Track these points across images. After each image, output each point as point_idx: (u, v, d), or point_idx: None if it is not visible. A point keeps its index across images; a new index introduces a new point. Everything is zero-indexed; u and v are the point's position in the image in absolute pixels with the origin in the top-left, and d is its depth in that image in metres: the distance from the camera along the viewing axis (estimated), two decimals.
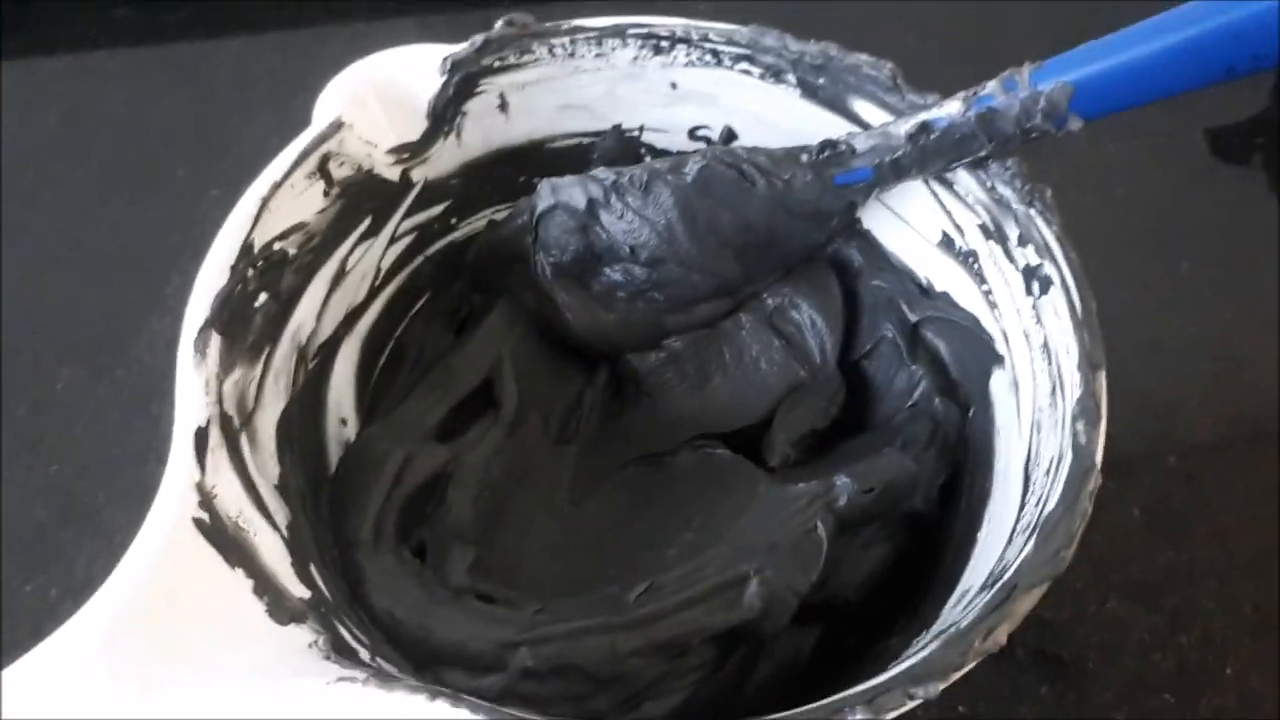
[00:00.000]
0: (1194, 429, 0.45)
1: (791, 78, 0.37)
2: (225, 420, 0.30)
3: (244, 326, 0.32)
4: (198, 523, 0.27)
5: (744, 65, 0.37)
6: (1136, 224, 0.52)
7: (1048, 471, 0.30)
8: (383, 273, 0.38)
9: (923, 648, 0.28)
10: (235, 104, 0.56)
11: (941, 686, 0.25)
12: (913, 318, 0.38)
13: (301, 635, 0.27)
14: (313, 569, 0.30)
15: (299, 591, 0.28)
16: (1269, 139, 0.56)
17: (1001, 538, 0.31)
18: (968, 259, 0.36)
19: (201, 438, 0.28)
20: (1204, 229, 0.52)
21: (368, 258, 0.37)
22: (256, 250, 0.32)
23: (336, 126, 0.35)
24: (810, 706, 0.25)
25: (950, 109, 0.34)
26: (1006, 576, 0.27)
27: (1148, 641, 0.40)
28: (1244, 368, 0.47)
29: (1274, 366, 0.47)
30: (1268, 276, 0.50)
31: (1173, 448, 0.45)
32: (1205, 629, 0.40)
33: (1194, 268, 0.51)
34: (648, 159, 0.41)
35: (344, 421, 0.37)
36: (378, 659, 0.28)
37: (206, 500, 0.27)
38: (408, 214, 0.38)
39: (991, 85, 0.33)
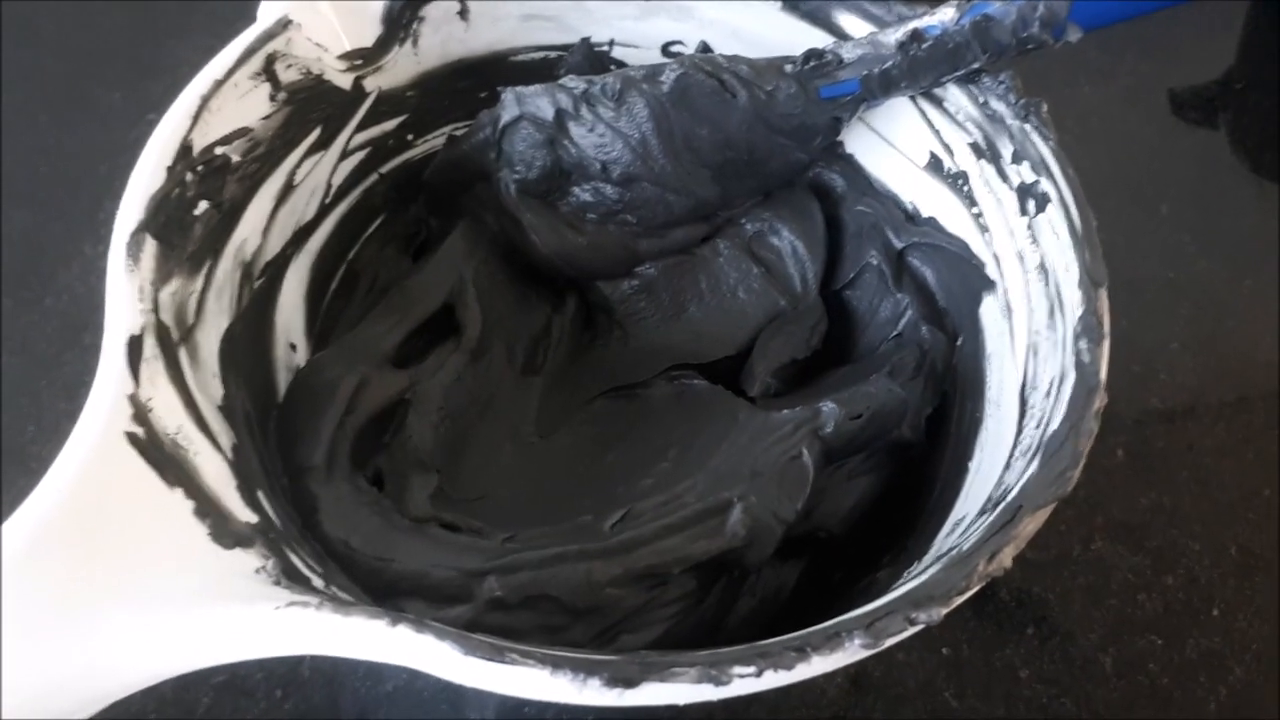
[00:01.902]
0: (1175, 371, 0.44)
1: None
2: (162, 331, 0.27)
3: (182, 234, 0.29)
4: (131, 437, 0.24)
5: None
6: (1115, 165, 0.51)
7: (1048, 394, 0.28)
8: (334, 189, 0.35)
9: (916, 576, 0.26)
10: (173, 24, 0.52)
11: (944, 611, 0.23)
12: (898, 244, 0.36)
13: (248, 560, 0.24)
14: (260, 495, 0.27)
15: (245, 516, 0.26)
16: (1231, 92, 0.55)
17: (997, 464, 0.29)
18: (957, 181, 0.34)
19: (135, 347, 0.26)
20: (1183, 172, 0.51)
21: (317, 172, 0.34)
22: (196, 153, 0.30)
23: (283, 25, 0.32)
24: (806, 631, 0.23)
25: (943, 16, 0.32)
26: (1009, 499, 0.25)
27: (1133, 582, 0.39)
28: (1224, 311, 0.46)
29: (1253, 311, 0.46)
30: (1246, 220, 0.49)
31: (1155, 389, 0.44)
32: (1190, 570, 0.39)
33: (1173, 210, 0.50)
34: None
35: (293, 347, 0.34)
36: (332, 588, 0.25)
37: (141, 413, 0.25)
38: (360, 127, 0.35)
39: None
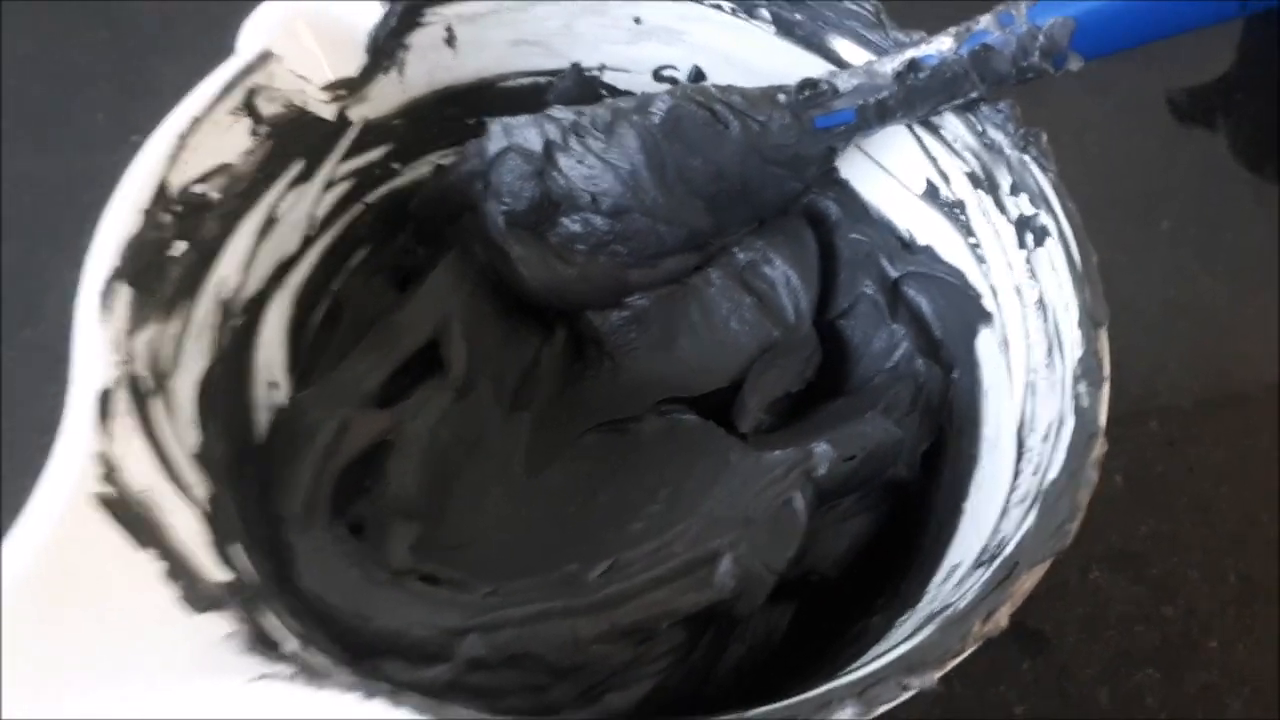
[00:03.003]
0: (1176, 393, 0.44)
1: (765, 12, 0.34)
2: (135, 382, 0.26)
3: (159, 278, 0.28)
4: (100, 498, 0.24)
5: None
6: (1115, 180, 0.50)
7: (1046, 437, 0.28)
8: (317, 222, 0.35)
9: (912, 630, 0.25)
10: (157, 43, 0.51)
11: (938, 675, 0.22)
12: (893, 273, 0.35)
13: (219, 625, 0.24)
14: (236, 548, 0.27)
15: (218, 574, 0.25)
16: (1232, 100, 0.54)
17: (993, 509, 0.28)
18: (954, 210, 0.33)
19: (106, 401, 0.25)
20: (1184, 187, 0.51)
21: (301, 205, 0.34)
22: (174, 193, 0.29)
23: (264, 58, 0.31)
24: (796, 700, 0.22)
25: (941, 45, 0.31)
26: (1006, 552, 0.25)
27: (1131, 614, 0.38)
28: (1225, 331, 0.46)
29: (1255, 330, 0.45)
30: (1248, 237, 0.49)
31: (1154, 412, 0.43)
32: (1189, 600, 0.39)
33: (1174, 227, 0.49)
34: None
35: (274, 385, 0.33)
36: (308, 649, 0.25)
37: (111, 472, 0.24)
38: (345, 157, 0.35)
39: (986, 20, 0.31)
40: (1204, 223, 0.49)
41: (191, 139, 0.29)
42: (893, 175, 0.35)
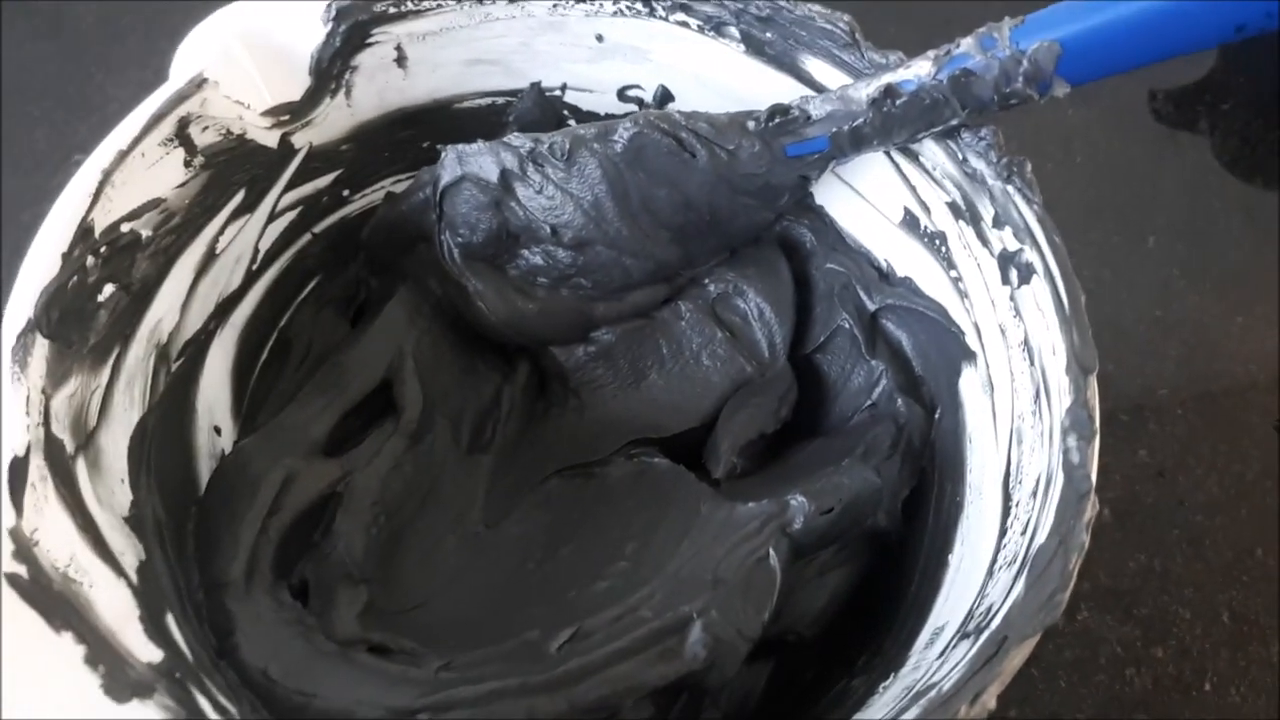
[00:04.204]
0: (1165, 420, 0.42)
1: (734, 31, 0.32)
2: (53, 445, 0.24)
3: (83, 327, 0.26)
4: (12, 579, 0.22)
5: (680, 15, 0.32)
6: (1100, 192, 0.49)
7: (1034, 494, 0.26)
8: (261, 255, 0.33)
9: (894, 705, 0.24)
10: (101, 58, 0.49)
11: None
12: (871, 306, 0.33)
13: (146, 713, 0.22)
14: (169, 621, 0.25)
15: (147, 655, 0.23)
16: (1218, 110, 0.53)
17: (979, 567, 0.27)
18: (934, 241, 0.32)
19: (18, 471, 0.23)
20: (1171, 200, 0.49)
21: (242, 237, 0.32)
22: (98, 234, 0.27)
23: (198, 84, 0.29)
24: None
25: (919, 70, 0.29)
26: (994, 624, 0.23)
27: (1121, 655, 0.37)
28: (1216, 353, 0.44)
29: (1247, 351, 0.44)
30: (1238, 252, 0.47)
31: (1143, 441, 0.42)
32: (1181, 640, 0.37)
33: (1160, 242, 0.47)
34: (571, 123, 0.36)
35: (218, 430, 0.31)
36: None
37: (24, 550, 0.22)
38: (290, 186, 0.33)
39: (966, 43, 0.29)
40: (1192, 237, 0.48)
41: (116, 175, 0.27)
42: (870, 202, 0.33)
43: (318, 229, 0.34)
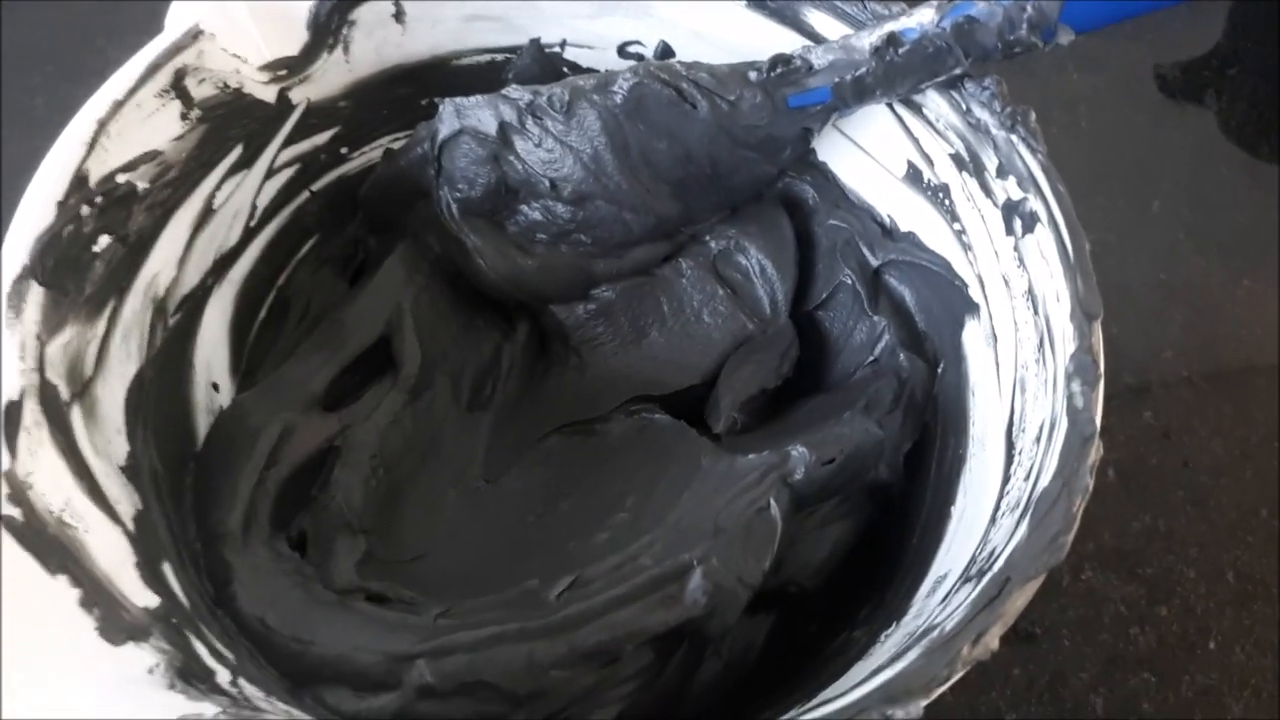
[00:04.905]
0: (1169, 383, 0.42)
1: None
2: (48, 391, 0.24)
3: (78, 276, 0.26)
4: (5, 521, 0.22)
5: None
6: (1105, 157, 0.49)
7: (1037, 439, 0.26)
8: (259, 211, 0.32)
9: (896, 650, 0.24)
10: (101, 23, 0.49)
11: (924, 703, 0.20)
12: (874, 261, 0.33)
13: (141, 657, 0.22)
14: (165, 569, 0.25)
15: (143, 599, 0.23)
16: (1225, 76, 0.52)
17: (982, 515, 0.26)
18: (938, 194, 0.31)
19: (13, 415, 0.23)
20: (1176, 166, 0.49)
21: (240, 193, 0.32)
22: (94, 183, 0.27)
23: (194, 36, 0.29)
24: None
25: (922, 18, 0.29)
26: (997, 567, 0.23)
27: (1125, 615, 0.37)
28: (1221, 316, 0.44)
29: (1252, 314, 0.44)
30: (1243, 217, 0.47)
31: (1148, 402, 0.41)
32: (1185, 600, 0.37)
33: (1165, 207, 0.47)
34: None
35: (216, 386, 0.31)
36: (240, 680, 0.23)
37: (18, 492, 0.22)
38: (288, 142, 0.33)
39: None
40: (1197, 203, 0.47)
41: (113, 124, 0.27)
42: (872, 157, 0.33)
43: (316, 186, 0.34)
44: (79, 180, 0.26)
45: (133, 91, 0.28)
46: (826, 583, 0.30)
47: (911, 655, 0.22)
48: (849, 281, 0.34)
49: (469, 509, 0.30)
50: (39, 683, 0.20)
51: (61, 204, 0.26)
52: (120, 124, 0.27)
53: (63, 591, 0.22)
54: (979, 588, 0.23)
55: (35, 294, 0.25)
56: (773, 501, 0.27)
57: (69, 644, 0.21)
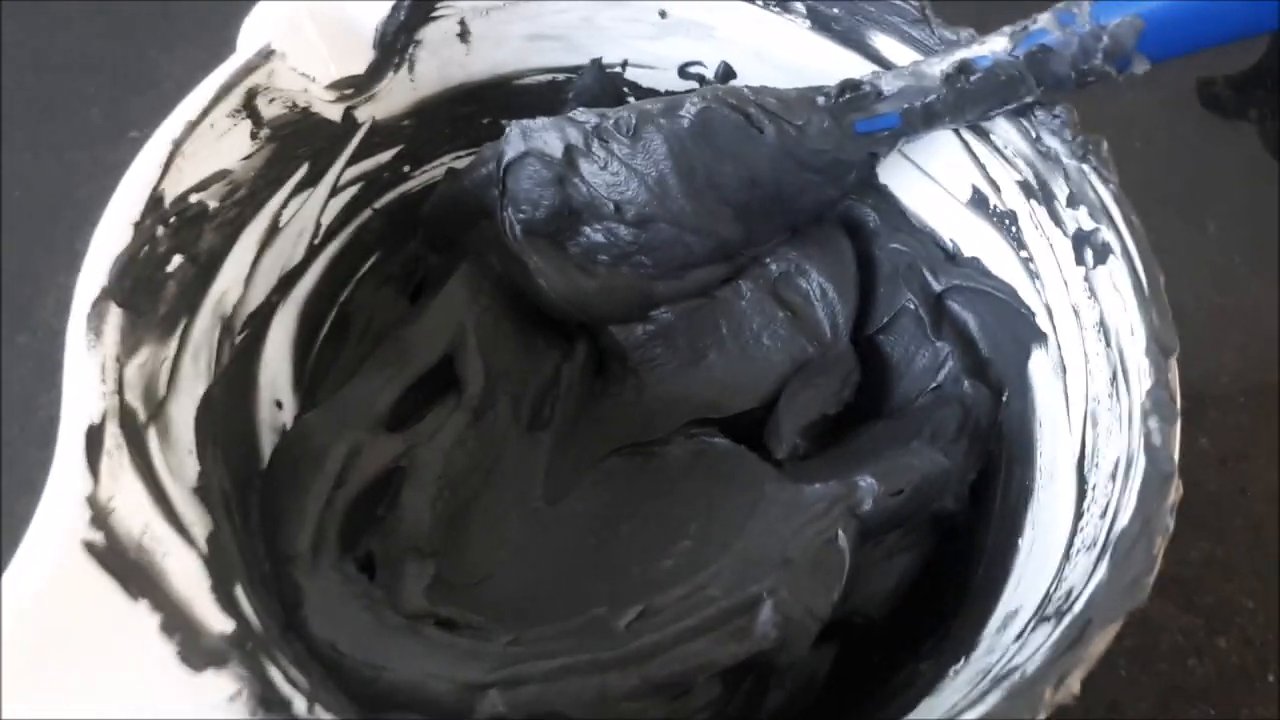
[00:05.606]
0: (1226, 408, 0.41)
1: (800, 6, 0.32)
2: (127, 413, 0.24)
3: (152, 296, 0.26)
4: (89, 546, 0.22)
5: None
6: (1159, 177, 0.48)
7: (1113, 477, 0.25)
8: (323, 229, 0.32)
9: (970, 688, 0.23)
10: (156, 34, 0.49)
11: None
12: (937, 286, 0.33)
13: (222, 685, 0.22)
14: (238, 591, 0.25)
15: (219, 625, 0.23)
16: (1271, 91, 0.52)
17: (1054, 551, 0.26)
18: (1004, 220, 0.31)
19: (95, 438, 0.23)
20: (1229, 187, 0.48)
21: (305, 211, 0.32)
22: (168, 204, 0.27)
23: (265, 56, 0.29)
24: None
25: (995, 46, 0.29)
26: (1077, 608, 0.23)
27: (1183, 645, 0.36)
28: (1277, 341, 0.43)
29: None
30: None
31: (1205, 429, 0.41)
32: (1244, 630, 0.37)
33: (1222, 228, 0.46)
34: (632, 100, 0.35)
35: (279, 404, 0.31)
36: (316, 707, 0.23)
37: (101, 517, 0.22)
38: (352, 160, 0.33)
39: (1044, 19, 0.28)
40: (1252, 224, 0.47)
41: (187, 145, 0.27)
42: (936, 181, 0.33)
43: (378, 204, 0.34)
44: (154, 201, 0.26)
45: (206, 112, 0.28)
46: (891, 614, 0.30)
47: (993, 699, 0.21)
48: (911, 306, 0.33)
49: (531, 531, 0.30)
50: (131, 707, 0.20)
51: (138, 225, 0.26)
52: (194, 144, 0.27)
53: (143, 617, 0.22)
54: (1059, 629, 0.22)
55: (114, 315, 0.25)
56: (841, 533, 0.27)
57: (151, 670, 0.21)
